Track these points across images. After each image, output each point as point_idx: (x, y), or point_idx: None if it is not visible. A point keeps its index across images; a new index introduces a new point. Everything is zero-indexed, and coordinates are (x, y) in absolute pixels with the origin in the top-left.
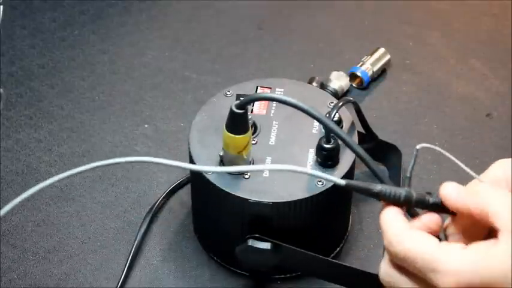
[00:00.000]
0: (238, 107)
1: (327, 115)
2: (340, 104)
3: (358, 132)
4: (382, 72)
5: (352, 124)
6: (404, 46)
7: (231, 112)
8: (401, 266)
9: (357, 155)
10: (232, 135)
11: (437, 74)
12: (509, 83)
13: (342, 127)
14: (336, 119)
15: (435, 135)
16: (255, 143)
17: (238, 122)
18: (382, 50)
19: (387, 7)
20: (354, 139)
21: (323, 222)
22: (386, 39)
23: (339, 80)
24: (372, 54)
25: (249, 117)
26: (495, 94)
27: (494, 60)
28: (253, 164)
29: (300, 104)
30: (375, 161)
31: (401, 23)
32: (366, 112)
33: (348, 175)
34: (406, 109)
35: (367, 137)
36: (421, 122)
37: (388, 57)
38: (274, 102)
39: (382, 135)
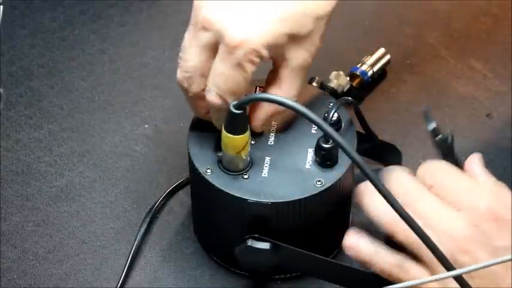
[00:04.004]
0: (237, 107)
1: (326, 115)
2: (339, 104)
3: (358, 132)
4: (382, 72)
5: (352, 124)
6: (405, 46)
7: (230, 112)
8: None
9: (351, 158)
10: (231, 136)
11: (437, 74)
12: (509, 83)
13: (340, 127)
14: (334, 119)
15: None
16: (254, 143)
17: (236, 122)
18: (382, 50)
19: (387, 7)
20: (353, 140)
21: (323, 222)
22: (386, 39)
23: (338, 80)
24: (372, 54)
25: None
26: (495, 94)
27: (494, 60)
28: (251, 164)
29: (297, 105)
30: (374, 161)
31: (401, 23)
32: (365, 112)
33: (347, 175)
34: (406, 109)
35: (367, 137)
36: (421, 122)
37: (388, 57)
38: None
39: (382, 135)
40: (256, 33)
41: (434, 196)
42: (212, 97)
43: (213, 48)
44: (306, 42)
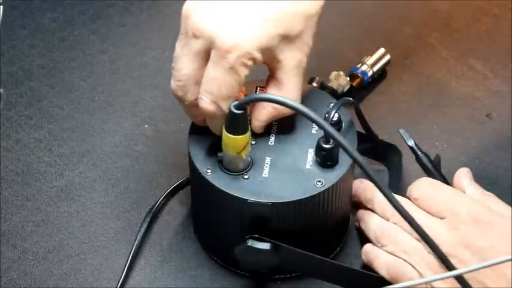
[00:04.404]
0: (238, 107)
1: (326, 115)
2: (340, 104)
3: (358, 132)
4: (382, 72)
5: (352, 124)
6: (405, 46)
7: (230, 112)
8: None
9: (352, 158)
10: (232, 136)
11: (437, 74)
12: (509, 83)
13: (341, 127)
14: (335, 119)
15: (435, 135)
16: (254, 143)
17: (237, 123)
18: (382, 50)
19: (387, 7)
20: (353, 140)
21: (323, 223)
22: (386, 39)
23: (338, 80)
24: (372, 54)
25: (248, 117)
26: (495, 94)
27: (494, 60)
28: (252, 164)
29: (298, 105)
30: (375, 160)
31: (401, 23)
32: (365, 112)
33: (347, 175)
34: (406, 109)
35: (367, 137)
36: (421, 122)
37: (388, 57)
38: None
39: (382, 135)
40: (248, 35)
41: (417, 207)
42: (205, 104)
43: (205, 56)
44: (298, 42)
